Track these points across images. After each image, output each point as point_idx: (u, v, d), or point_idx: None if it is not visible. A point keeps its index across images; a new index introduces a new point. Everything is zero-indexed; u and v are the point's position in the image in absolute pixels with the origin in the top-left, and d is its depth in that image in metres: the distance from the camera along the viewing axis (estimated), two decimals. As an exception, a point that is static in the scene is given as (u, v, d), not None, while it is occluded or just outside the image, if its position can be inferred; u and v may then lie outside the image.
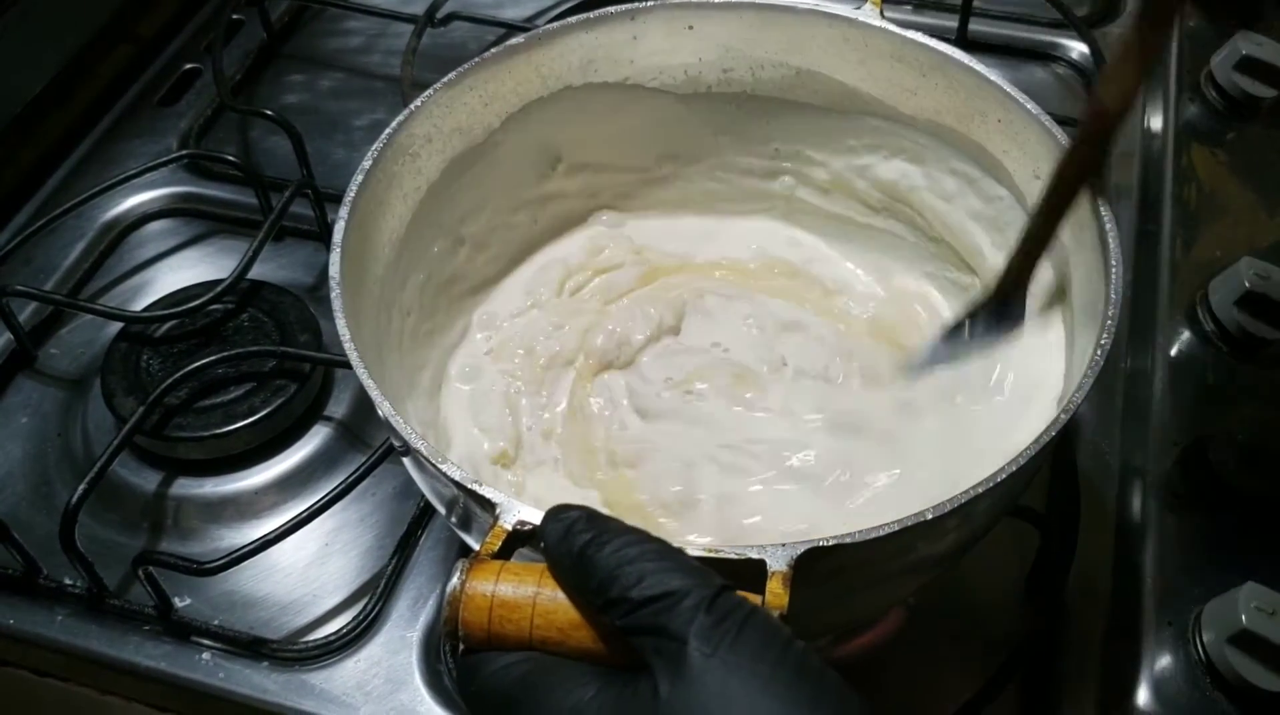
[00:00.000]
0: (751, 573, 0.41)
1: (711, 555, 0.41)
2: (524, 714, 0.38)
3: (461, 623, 0.39)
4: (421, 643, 0.62)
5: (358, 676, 0.61)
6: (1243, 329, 0.69)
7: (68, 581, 0.65)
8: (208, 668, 0.62)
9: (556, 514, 0.41)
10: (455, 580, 0.39)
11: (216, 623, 0.63)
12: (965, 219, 0.67)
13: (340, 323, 0.51)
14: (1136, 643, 0.59)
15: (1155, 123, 0.85)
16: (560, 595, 0.39)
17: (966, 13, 0.92)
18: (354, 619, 0.63)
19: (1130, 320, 0.73)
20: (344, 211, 0.55)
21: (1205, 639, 0.57)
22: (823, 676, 0.37)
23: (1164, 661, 0.58)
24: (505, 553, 0.42)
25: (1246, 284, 0.69)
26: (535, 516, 0.42)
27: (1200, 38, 0.88)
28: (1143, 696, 0.57)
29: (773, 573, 0.41)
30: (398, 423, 0.48)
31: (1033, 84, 0.91)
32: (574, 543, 0.39)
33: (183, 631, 0.63)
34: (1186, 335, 0.71)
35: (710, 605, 0.37)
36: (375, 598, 0.64)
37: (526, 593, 0.39)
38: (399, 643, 0.62)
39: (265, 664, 0.62)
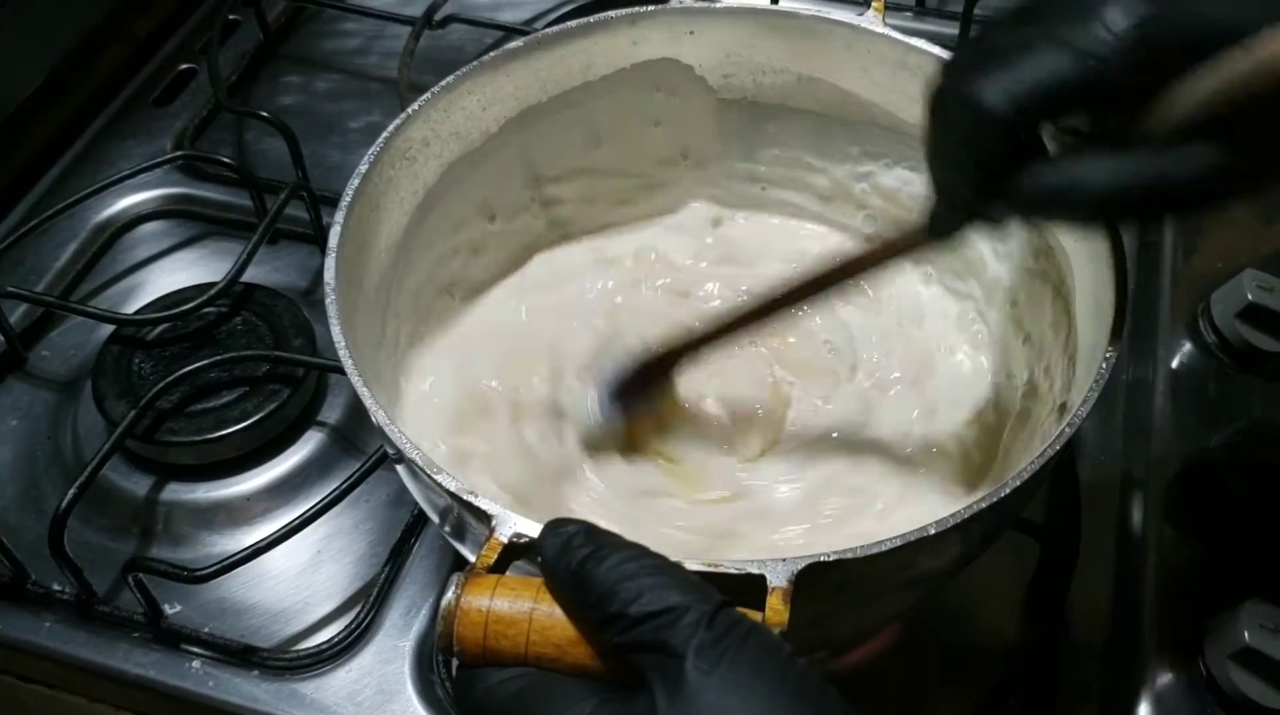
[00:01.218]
0: (751, 588, 0.40)
1: (711, 570, 0.41)
2: None
3: (456, 638, 0.38)
4: (414, 652, 0.62)
5: (349, 686, 0.61)
6: (1245, 341, 0.69)
7: (56, 587, 0.64)
8: (197, 676, 0.61)
9: (554, 527, 0.40)
10: (450, 594, 0.39)
11: (206, 630, 0.63)
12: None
13: (335, 329, 0.51)
14: (1138, 658, 0.58)
15: (1157, 132, 0.85)
16: (557, 611, 0.39)
17: (968, 20, 0.92)
18: (346, 628, 0.62)
19: (1131, 331, 0.72)
20: (339, 216, 0.55)
21: (1207, 655, 0.57)
22: (823, 695, 0.36)
23: (1165, 678, 0.57)
24: (501, 566, 0.42)
25: (1249, 296, 0.68)
26: (532, 529, 0.42)
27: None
28: (1144, 713, 0.56)
29: (773, 588, 0.40)
30: (392, 431, 0.47)
31: (1034, 92, 0.91)
32: (572, 557, 0.38)
33: (172, 639, 0.62)
34: (1188, 347, 0.71)
35: (709, 622, 0.36)
36: (368, 606, 0.63)
37: (523, 608, 0.38)
38: (391, 652, 0.62)
39: (255, 673, 0.61)
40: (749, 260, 0.71)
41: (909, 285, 0.69)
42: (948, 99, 0.43)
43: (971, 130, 0.42)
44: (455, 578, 0.39)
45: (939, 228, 0.49)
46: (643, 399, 0.61)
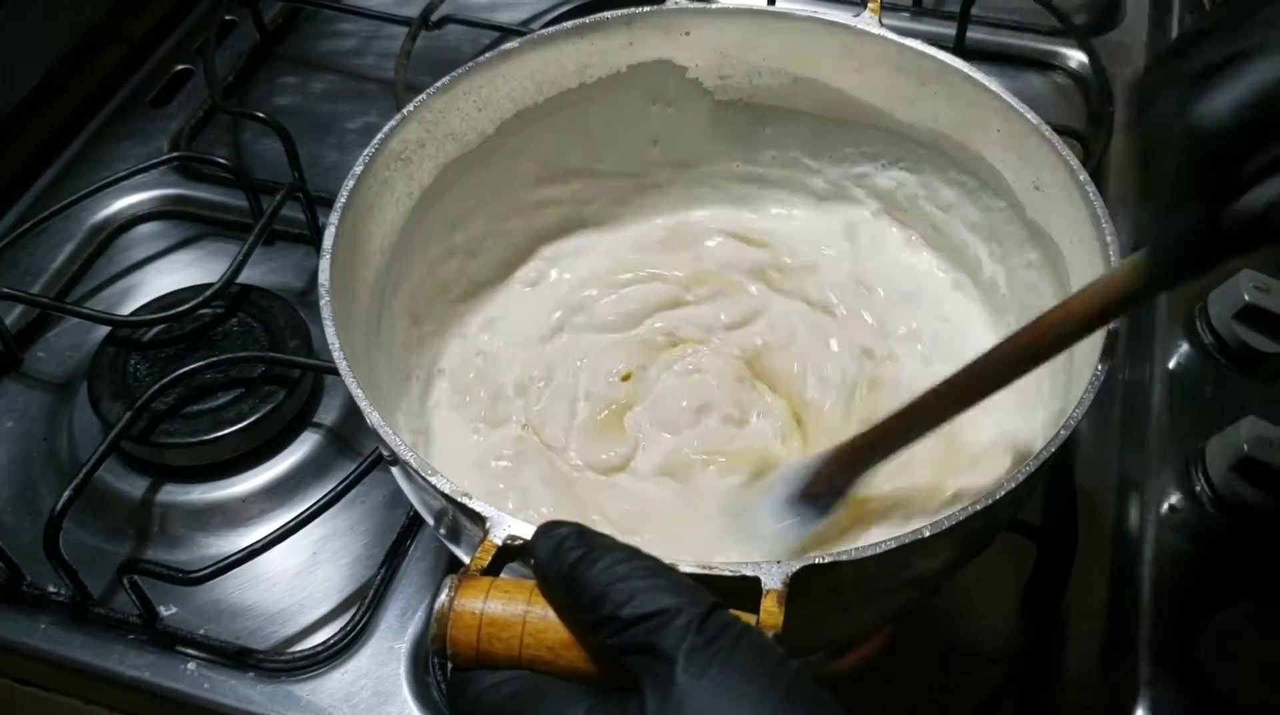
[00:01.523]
0: (746, 590, 0.40)
1: (704, 572, 0.41)
2: None
3: (450, 640, 0.38)
4: (410, 654, 0.61)
5: (345, 688, 0.60)
6: (1242, 342, 0.69)
7: (52, 589, 0.64)
8: (192, 678, 0.61)
9: (547, 530, 0.40)
10: (444, 597, 0.38)
11: (202, 632, 0.63)
12: (962, 229, 0.66)
13: (329, 330, 0.51)
14: (1134, 659, 0.58)
15: (1154, 132, 0.85)
16: (550, 613, 0.38)
17: (965, 21, 0.92)
18: (342, 629, 0.62)
19: (1128, 332, 0.72)
20: (334, 217, 0.55)
21: (1204, 657, 0.57)
22: (815, 698, 0.36)
23: (1162, 679, 0.57)
24: (495, 568, 0.42)
25: (1246, 297, 0.68)
26: (526, 531, 0.42)
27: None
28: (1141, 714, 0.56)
29: (767, 591, 0.40)
30: (386, 433, 0.47)
31: (1031, 93, 0.91)
32: (564, 560, 0.38)
33: (168, 641, 0.62)
34: (1185, 348, 0.71)
35: (701, 624, 0.36)
36: (363, 608, 0.63)
37: (516, 611, 0.38)
38: (387, 654, 0.62)
39: (251, 675, 0.61)
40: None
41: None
42: (1164, 124, 0.39)
43: (1200, 152, 0.38)
44: (449, 580, 0.39)
45: (1166, 273, 0.43)
46: (832, 499, 0.54)
